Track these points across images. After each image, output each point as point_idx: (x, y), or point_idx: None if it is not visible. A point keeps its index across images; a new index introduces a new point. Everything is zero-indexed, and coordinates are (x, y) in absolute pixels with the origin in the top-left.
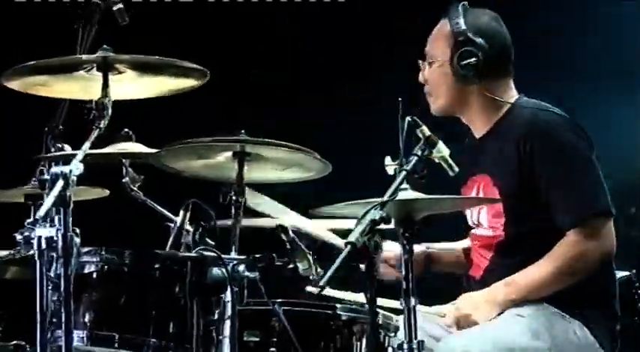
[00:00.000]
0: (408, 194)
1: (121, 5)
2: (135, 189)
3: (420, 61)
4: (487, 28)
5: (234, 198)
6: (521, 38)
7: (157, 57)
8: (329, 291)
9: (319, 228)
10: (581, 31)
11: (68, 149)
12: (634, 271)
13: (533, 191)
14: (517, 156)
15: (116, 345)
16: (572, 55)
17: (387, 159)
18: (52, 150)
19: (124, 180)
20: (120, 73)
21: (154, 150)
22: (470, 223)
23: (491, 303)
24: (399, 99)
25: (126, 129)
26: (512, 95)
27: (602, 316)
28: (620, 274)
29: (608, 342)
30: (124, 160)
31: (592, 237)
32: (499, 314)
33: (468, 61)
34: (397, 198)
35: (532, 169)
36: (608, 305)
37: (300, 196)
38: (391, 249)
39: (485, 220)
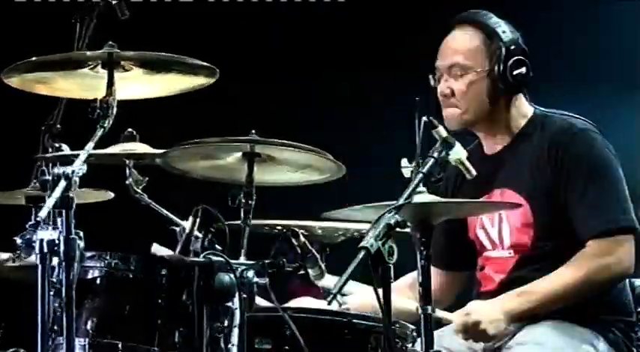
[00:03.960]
0: (424, 197)
1: None
2: (139, 191)
3: (442, 72)
4: (519, 36)
5: (243, 200)
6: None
7: (165, 53)
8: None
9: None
10: (581, 31)
11: (66, 149)
12: None
13: (564, 202)
14: (548, 164)
15: None
16: (572, 56)
17: (404, 161)
18: (50, 149)
19: (127, 182)
20: (125, 70)
21: (159, 151)
22: (486, 245)
23: (503, 313)
24: (417, 98)
25: (130, 129)
26: (528, 106)
27: (618, 323)
28: (638, 282)
29: (625, 347)
30: (127, 161)
31: (614, 251)
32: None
33: (520, 70)
34: (414, 202)
35: (562, 178)
36: (623, 312)
37: (313, 199)
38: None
39: (508, 236)
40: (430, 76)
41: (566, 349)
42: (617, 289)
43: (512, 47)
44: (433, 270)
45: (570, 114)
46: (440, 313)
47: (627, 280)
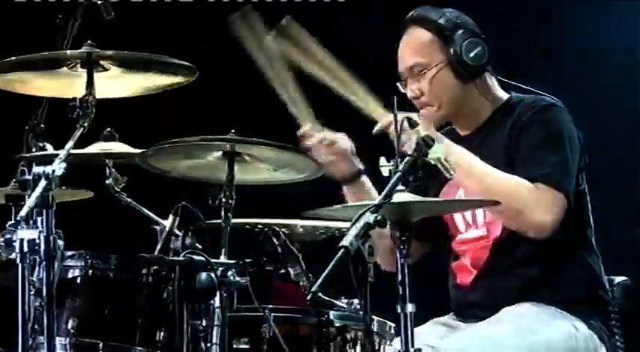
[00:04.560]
0: (403, 196)
1: None
2: (118, 190)
3: (405, 76)
4: (466, 18)
5: (223, 199)
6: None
7: (144, 53)
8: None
9: None
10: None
11: (50, 148)
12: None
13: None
14: (514, 139)
15: None
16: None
17: (382, 160)
18: (33, 149)
19: (107, 182)
20: (105, 69)
21: (138, 150)
22: (460, 227)
23: (436, 136)
24: (394, 97)
25: (109, 129)
26: (501, 91)
27: (597, 311)
28: (618, 279)
29: (605, 335)
30: (107, 161)
31: (543, 196)
32: None
33: (475, 51)
34: (393, 201)
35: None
36: (602, 300)
37: (294, 197)
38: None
39: (482, 215)
40: (398, 84)
41: (547, 325)
42: (594, 282)
43: (461, 31)
44: None
45: (544, 93)
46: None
47: (603, 272)
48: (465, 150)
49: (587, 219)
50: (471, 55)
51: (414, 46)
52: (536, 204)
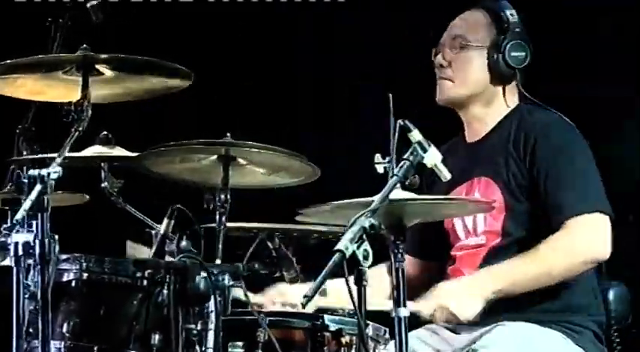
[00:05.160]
0: (399, 193)
1: (95, 2)
2: (114, 194)
3: (444, 43)
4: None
5: (218, 203)
6: None
7: (139, 56)
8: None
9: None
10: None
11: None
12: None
13: (535, 190)
14: (524, 153)
15: None
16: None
17: (377, 157)
18: (24, 152)
19: (103, 185)
20: (100, 73)
21: (134, 154)
22: (460, 234)
23: (474, 295)
24: (389, 94)
25: (105, 132)
26: (517, 97)
27: (587, 322)
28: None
29: (595, 348)
30: (102, 164)
31: (586, 235)
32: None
33: (518, 54)
34: (390, 199)
35: (533, 167)
36: (592, 313)
37: (288, 201)
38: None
39: (483, 223)
40: (433, 50)
41: (529, 341)
42: (584, 289)
43: (517, 30)
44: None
45: (551, 109)
46: (410, 306)
47: (597, 281)
48: (493, 276)
49: None
50: (513, 53)
51: (469, 21)
52: (587, 242)
